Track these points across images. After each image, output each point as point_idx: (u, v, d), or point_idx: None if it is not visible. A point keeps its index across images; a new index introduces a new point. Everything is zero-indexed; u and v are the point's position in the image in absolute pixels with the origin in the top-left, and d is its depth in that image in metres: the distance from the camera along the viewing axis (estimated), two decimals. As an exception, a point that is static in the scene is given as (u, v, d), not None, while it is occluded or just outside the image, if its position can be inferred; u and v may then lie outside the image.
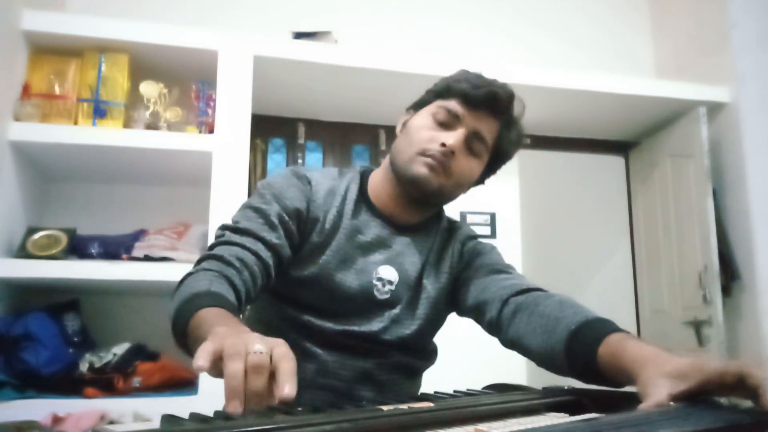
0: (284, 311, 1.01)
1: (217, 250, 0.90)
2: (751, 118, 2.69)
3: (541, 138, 3.20)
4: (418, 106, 1.07)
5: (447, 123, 1.00)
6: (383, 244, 1.05)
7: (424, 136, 1.00)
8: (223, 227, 0.96)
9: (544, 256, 3.36)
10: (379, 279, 1.03)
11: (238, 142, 2.16)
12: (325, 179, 1.06)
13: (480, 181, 1.10)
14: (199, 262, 0.90)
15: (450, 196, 1.05)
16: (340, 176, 1.09)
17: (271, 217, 0.96)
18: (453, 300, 1.10)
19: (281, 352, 0.58)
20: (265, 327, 1.00)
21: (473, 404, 0.64)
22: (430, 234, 1.10)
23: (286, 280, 1.00)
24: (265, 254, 0.92)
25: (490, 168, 1.08)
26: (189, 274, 0.86)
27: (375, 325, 1.01)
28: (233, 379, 0.55)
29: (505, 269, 1.06)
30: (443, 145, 0.97)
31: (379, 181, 1.07)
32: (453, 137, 0.98)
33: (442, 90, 1.04)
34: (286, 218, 0.97)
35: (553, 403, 0.71)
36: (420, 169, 0.98)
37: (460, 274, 1.09)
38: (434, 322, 1.10)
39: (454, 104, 1.00)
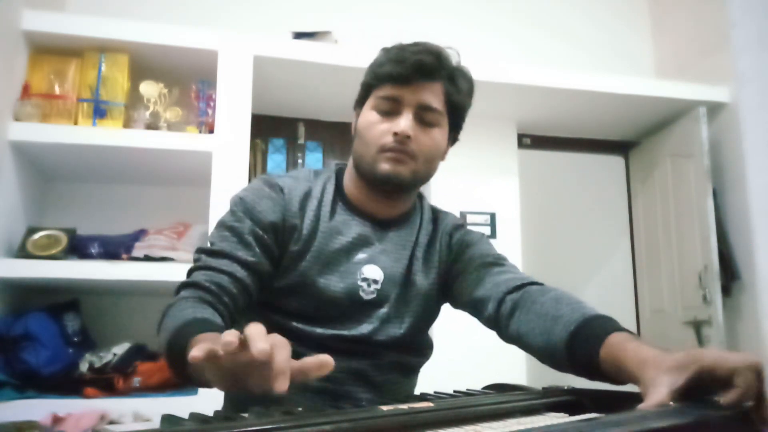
0: (272, 319, 0.99)
1: (194, 277, 0.91)
2: (751, 118, 2.67)
3: (541, 138, 3.20)
4: (359, 103, 1.06)
5: (391, 110, 0.98)
6: (365, 242, 1.02)
7: (375, 132, 0.98)
8: (200, 250, 0.95)
9: (544, 256, 3.36)
10: (364, 279, 1.01)
11: (238, 142, 2.16)
12: (298, 183, 1.03)
13: (452, 142, 1.08)
14: (178, 290, 0.90)
15: (427, 176, 1.03)
16: (315, 177, 1.07)
17: (245, 235, 0.94)
18: (446, 294, 1.09)
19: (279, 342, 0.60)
20: None
21: (473, 404, 0.64)
22: (413, 226, 1.08)
23: (270, 290, 0.99)
24: (242, 274, 0.92)
25: (456, 125, 1.06)
26: (170, 306, 0.86)
27: (365, 328, 1.00)
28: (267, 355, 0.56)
29: (496, 261, 1.04)
30: (396, 134, 0.96)
31: (352, 180, 1.06)
32: (402, 122, 0.97)
33: (372, 80, 1.02)
34: (261, 233, 0.96)
35: (552, 403, 0.71)
36: (384, 166, 0.97)
37: (451, 268, 1.08)
38: (427, 317, 1.08)
39: (388, 90, 0.99)
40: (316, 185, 1.04)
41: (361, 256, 1.01)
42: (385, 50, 1.02)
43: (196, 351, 0.57)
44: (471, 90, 1.05)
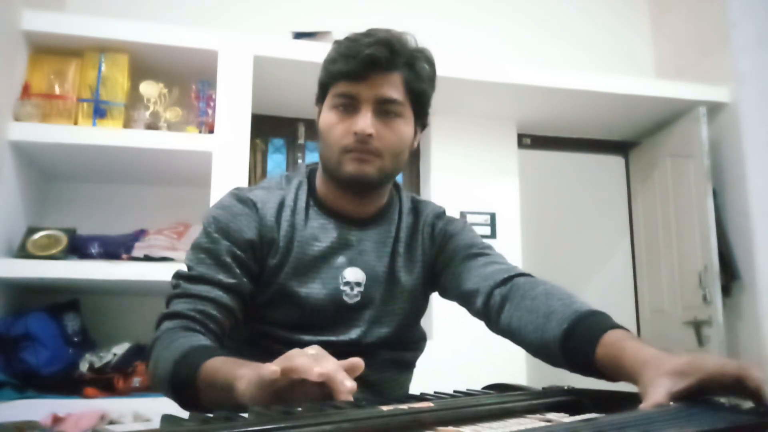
0: (261, 328, 0.98)
1: (176, 306, 0.88)
2: (751, 118, 2.69)
3: (541, 138, 3.20)
4: (319, 99, 1.02)
5: (349, 108, 0.95)
6: (343, 245, 1.00)
7: (336, 133, 0.95)
8: (178, 276, 0.93)
9: (544, 256, 3.35)
10: (347, 283, 0.99)
11: (238, 142, 2.16)
12: (271, 195, 1.00)
13: (422, 128, 1.04)
14: (160, 321, 0.87)
15: (396, 170, 1.00)
16: (288, 184, 1.04)
17: (222, 257, 0.92)
18: (432, 285, 1.08)
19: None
20: (247, 343, 0.98)
21: (473, 404, 0.64)
22: (392, 222, 1.06)
23: (253, 304, 0.97)
24: (225, 299, 0.90)
25: (421, 112, 1.02)
26: (157, 338, 0.84)
27: (354, 332, 0.98)
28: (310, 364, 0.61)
29: (482, 251, 1.02)
30: (356, 133, 0.93)
31: (323, 181, 1.03)
32: (361, 120, 0.93)
33: (326, 78, 0.98)
34: (239, 253, 0.93)
35: (553, 403, 0.71)
36: (350, 167, 0.95)
37: (436, 259, 1.06)
38: (415, 312, 1.07)
39: (343, 87, 0.95)
40: (289, 193, 1.02)
41: (341, 259, 0.99)
42: (337, 44, 0.98)
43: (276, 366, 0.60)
44: (433, 73, 1.01)
